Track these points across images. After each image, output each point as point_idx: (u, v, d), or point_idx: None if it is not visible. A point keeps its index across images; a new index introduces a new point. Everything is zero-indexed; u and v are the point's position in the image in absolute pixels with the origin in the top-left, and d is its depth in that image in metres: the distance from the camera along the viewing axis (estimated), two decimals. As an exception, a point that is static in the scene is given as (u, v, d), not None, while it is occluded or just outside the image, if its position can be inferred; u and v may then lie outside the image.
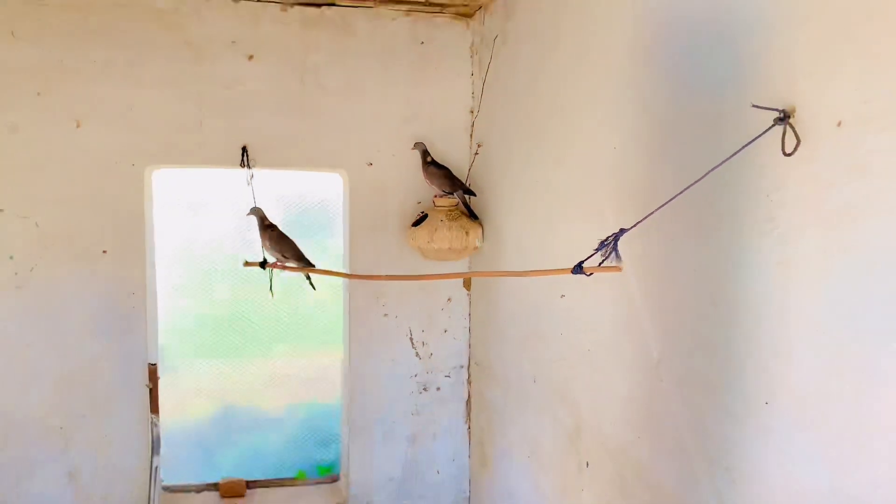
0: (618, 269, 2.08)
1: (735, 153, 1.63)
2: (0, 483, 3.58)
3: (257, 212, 3.43)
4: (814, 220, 1.53)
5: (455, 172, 3.78)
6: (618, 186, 2.37)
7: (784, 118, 1.52)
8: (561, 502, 2.91)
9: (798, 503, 1.60)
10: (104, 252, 3.60)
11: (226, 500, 4.00)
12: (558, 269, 2.06)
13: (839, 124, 1.44)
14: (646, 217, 1.82)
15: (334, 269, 3.86)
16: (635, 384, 2.31)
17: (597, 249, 1.91)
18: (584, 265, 1.97)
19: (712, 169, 1.68)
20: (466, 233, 3.65)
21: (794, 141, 1.52)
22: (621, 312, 2.36)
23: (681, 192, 1.76)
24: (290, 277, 3.58)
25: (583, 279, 2.31)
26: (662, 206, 1.79)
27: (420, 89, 3.91)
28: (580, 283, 2.68)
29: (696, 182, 1.73)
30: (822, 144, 1.49)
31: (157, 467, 3.71)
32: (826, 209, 1.49)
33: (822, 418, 1.52)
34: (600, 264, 1.96)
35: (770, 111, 1.55)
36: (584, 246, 2.56)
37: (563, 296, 2.83)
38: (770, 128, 1.56)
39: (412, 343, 4.07)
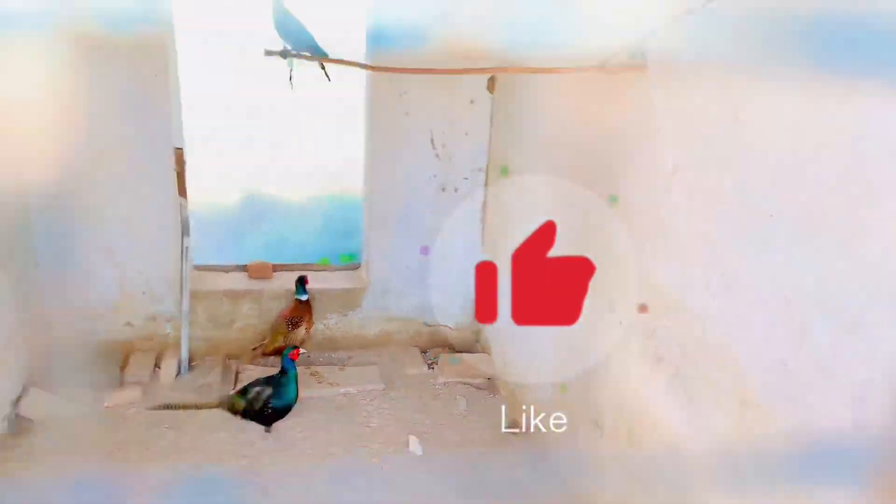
0: (642, 66, 2.00)
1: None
2: (44, 253, 3.83)
3: (272, -6, 3.25)
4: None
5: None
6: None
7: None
8: (565, 299, 3.09)
9: (781, 306, 1.71)
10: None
11: (253, 280, 4.27)
12: (584, 67, 1.99)
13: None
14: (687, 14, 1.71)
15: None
16: (646, 193, 2.35)
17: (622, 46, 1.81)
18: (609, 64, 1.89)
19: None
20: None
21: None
22: (642, 120, 2.34)
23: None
24: (313, 69, 3.50)
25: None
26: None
27: None
28: (605, 88, 2.63)
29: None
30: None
31: (187, 248, 3.92)
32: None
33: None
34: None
35: None
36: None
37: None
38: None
39: (433, 144, 4.08)
